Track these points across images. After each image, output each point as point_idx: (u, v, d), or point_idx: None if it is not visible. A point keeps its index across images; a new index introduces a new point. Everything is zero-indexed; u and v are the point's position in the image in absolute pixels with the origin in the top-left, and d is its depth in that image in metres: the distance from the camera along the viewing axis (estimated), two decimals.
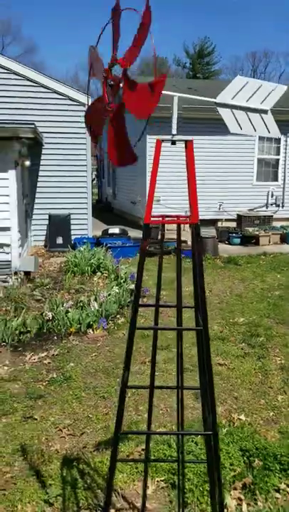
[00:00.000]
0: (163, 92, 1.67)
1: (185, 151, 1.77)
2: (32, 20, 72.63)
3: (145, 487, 2.20)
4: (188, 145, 1.74)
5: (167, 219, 1.94)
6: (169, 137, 1.80)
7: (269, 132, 1.89)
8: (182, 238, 2.07)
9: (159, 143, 1.73)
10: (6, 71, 10.25)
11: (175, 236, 2.02)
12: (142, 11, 1.74)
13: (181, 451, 2.19)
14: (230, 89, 1.85)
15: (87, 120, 2.01)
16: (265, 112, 1.88)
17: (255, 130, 1.87)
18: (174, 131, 1.81)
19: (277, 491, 2.94)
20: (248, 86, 1.86)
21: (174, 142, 1.80)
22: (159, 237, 2.21)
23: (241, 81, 1.87)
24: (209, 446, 1.84)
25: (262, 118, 1.88)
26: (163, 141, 1.75)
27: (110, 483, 1.85)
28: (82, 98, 10.44)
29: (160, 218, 1.92)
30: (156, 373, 4.73)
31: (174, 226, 2.00)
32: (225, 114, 1.85)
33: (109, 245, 9.90)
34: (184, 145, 1.84)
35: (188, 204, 1.82)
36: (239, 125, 1.85)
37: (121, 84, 1.81)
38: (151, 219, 1.82)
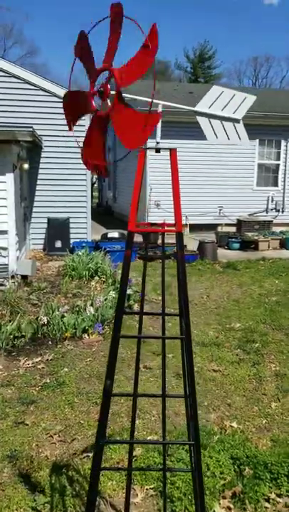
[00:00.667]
0: (147, 99, 1.66)
1: (169, 159, 1.76)
2: (34, 21, 72.59)
3: (129, 496, 2.18)
4: (172, 153, 1.74)
5: (167, 226, 1.92)
6: (153, 145, 1.79)
7: (240, 140, 1.90)
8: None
9: (142, 152, 1.73)
10: (5, 74, 10.27)
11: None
12: (147, 32, 1.70)
13: (164, 460, 2.17)
14: (207, 99, 1.86)
15: (65, 102, 2.02)
16: (237, 121, 1.90)
17: (228, 138, 1.88)
18: (158, 139, 1.80)
19: (267, 500, 2.92)
20: (223, 96, 1.87)
21: (158, 150, 1.79)
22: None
23: (217, 91, 1.88)
24: (192, 456, 1.82)
25: (235, 127, 1.89)
26: (146, 149, 1.74)
27: (93, 494, 1.83)
28: None
29: (147, 226, 1.91)
30: (150, 379, 4.75)
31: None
32: (203, 122, 1.86)
33: (107, 249, 9.88)
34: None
35: (174, 212, 1.81)
36: (215, 134, 1.86)
37: (112, 92, 1.79)
38: (145, 227, 1.81)
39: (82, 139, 2.01)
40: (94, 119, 1.79)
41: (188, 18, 74.53)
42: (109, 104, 1.80)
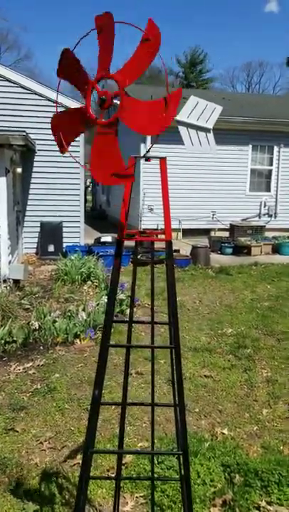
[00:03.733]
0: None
1: (159, 168, 1.76)
2: (29, 25, 72.76)
3: (117, 506, 2.16)
4: (162, 162, 1.74)
5: (159, 234, 1.91)
6: (143, 154, 1.79)
7: (210, 148, 1.95)
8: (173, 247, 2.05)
9: (132, 160, 1.72)
10: None
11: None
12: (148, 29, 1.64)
13: (152, 469, 2.15)
14: (186, 108, 1.90)
15: (55, 125, 1.87)
16: (209, 130, 1.94)
17: (201, 146, 1.92)
18: (148, 146, 1.81)
19: (258, 508, 2.91)
20: (199, 106, 1.91)
21: (147, 159, 1.79)
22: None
23: (194, 101, 1.91)
24: (181, 465, 1.81)
25: (206, 136, 1.93)
26: (136, 158, 1.74)
27: (81, 502, 1.81)
28: (76, 106, 10.44)
29: (136, 235, 1.90)
30: (142, 385, 4.73)
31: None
32: (182, 131, 1.90)
33: (100, 254, 9.88)
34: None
35: (163, 221, 1.81)
36: (192, 142, 1.89)
37: (115, 101, 1.75)
38: (137, 235, 1.80)
39: (76, 152, 1.94)
40: (99, 130, 1.72)
41: (183, 24, 74.88)
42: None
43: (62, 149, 1.84)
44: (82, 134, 10.73)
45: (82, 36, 1.72)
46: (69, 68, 1.74)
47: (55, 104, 10.48)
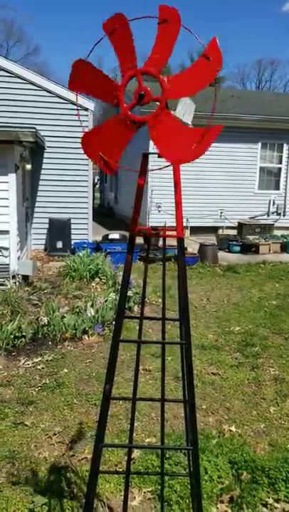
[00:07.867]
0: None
1: (172, 167, 1.77)
2: (36, 20, 72.72)
3: (126, 500, 2.18)
4: None
5: (168, 231, 1.92)
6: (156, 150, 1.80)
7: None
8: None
9: (145, 157, 1.73)
10: (9, 74, 10.29)
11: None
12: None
13: (162, 464, 2.17)
14: (181, 107, 1.92)
15: (90, 146, 1.73)
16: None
17: None
18: None
19: (265, 505, 2.92)
20: (189, 104, 1.92)
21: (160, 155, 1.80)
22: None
23: (186, 99, 1.92)
24: (190, 460, 1.82)
25: None
26: (148, 154, 1.75)
27: (91, 496, 1.84)
28: (85, 103, 10.47)
29: (148, 231, 1.92)
30: (149, 381, 4.75)
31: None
32: None
33: (108, 251, 9.90)
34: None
35: (175, 218, 1.82)
36: None
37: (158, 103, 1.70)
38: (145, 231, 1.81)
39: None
40: (153, 123, 1.68)
41: (197, 21, 74.60)
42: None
43: (112, 171, 1.71)
44: (89, 126, 10.75)
45: (94, 44, 1.64)
46: (87, 80, 1.65)
47: (65, 102, 10.48)
